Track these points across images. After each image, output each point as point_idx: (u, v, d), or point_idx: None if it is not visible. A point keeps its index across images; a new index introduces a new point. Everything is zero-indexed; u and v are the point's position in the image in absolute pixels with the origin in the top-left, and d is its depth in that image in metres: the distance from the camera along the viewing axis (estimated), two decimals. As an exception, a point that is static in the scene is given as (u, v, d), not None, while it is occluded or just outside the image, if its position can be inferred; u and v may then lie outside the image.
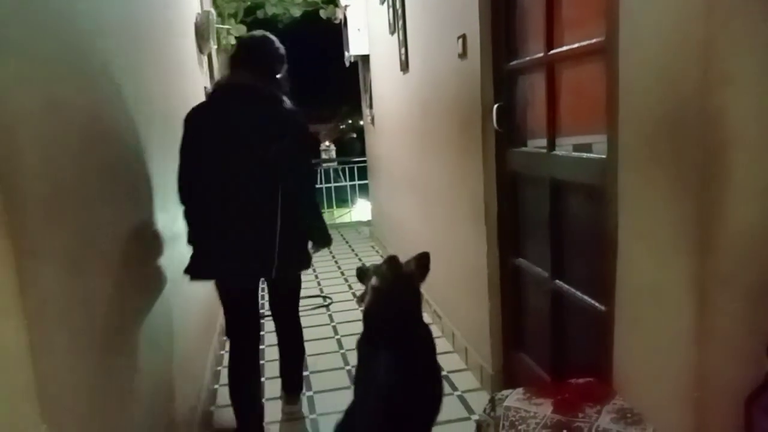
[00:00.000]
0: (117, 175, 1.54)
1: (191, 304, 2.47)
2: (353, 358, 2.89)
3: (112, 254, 1.40)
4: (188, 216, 2.08)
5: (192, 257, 2.07)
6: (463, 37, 2.49)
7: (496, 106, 2.29)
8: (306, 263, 2.20)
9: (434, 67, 3.06)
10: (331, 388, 2.76)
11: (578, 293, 1.82)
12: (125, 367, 1.43)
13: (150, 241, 1.88)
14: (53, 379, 0.96)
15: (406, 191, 4.13)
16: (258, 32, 2.28)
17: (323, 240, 2.24)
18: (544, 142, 1.98)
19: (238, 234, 2.02)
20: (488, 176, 2.42)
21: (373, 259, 5.13)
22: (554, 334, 2.01)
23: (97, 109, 1.41)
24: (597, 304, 1.69)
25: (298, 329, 2.36)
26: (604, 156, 1.57)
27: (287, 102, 2.09)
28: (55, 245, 1.04)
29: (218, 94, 2.17)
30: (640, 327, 1.40)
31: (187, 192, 2.07)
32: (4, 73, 0.92)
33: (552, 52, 1.86)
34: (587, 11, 1.77)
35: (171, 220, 2.09)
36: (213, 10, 4.11)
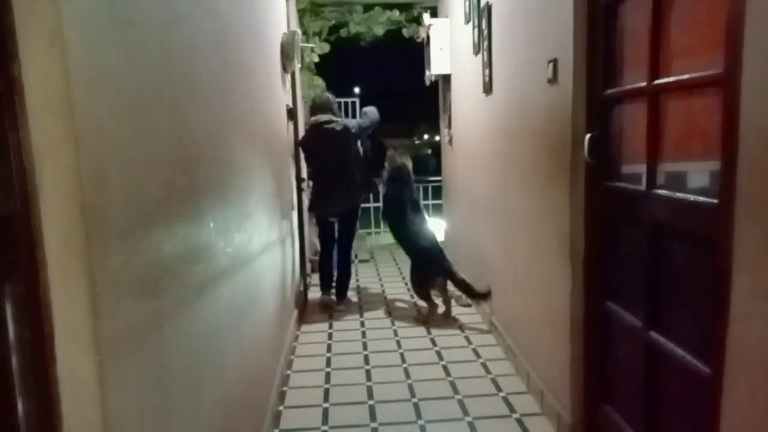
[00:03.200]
0: (199, 196, 1.55)
1: (260, 329, 2.47)
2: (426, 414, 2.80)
3: (186, 277, 1.39)
4: (314, 184, 4.52)
5: (311, 204, 4.52)
6: (555, 61, 2.36)
7: (588, 135, 2.14)
8: (364, 195, 4.56)
9: (520, 91, 2.94)
10: (397, 421, 2.68)
11: (677, 348, 1.64)
12: (194, 395, 1.42)
13: (224, 260, 1.89)
14: (123, 416, 0.94)
15: (484, 215, 4.00)
16: (323, 95, 4.57)
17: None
18: (642, 178, 1.82)
19: (334, 190, 4.27)
20: (575, 209, 2.27)
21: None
22: (646, 390, 1.82)
23: (185, 133, 1.42)
24: (699, 364, 1.51)
25: (347, 256, 4.46)
26: (715, 201, 1.41)
27: (342, 118, 4.49)
28: (134, 273, 1.04)
29: (315, 125, 4.33)
30: (760, 403, 1.22)
31: (312, 172, 4.51)
32: (100, 103, 0.93)
33: (656, 82, 1.70)
34: (698, 40, 1.61)
35: (247, 240, 2.10)
36: (299, 30, 4.19)
